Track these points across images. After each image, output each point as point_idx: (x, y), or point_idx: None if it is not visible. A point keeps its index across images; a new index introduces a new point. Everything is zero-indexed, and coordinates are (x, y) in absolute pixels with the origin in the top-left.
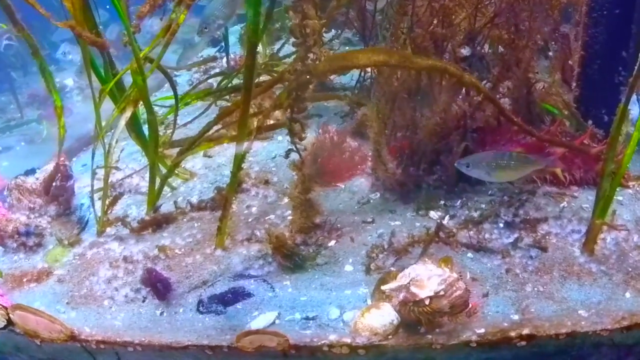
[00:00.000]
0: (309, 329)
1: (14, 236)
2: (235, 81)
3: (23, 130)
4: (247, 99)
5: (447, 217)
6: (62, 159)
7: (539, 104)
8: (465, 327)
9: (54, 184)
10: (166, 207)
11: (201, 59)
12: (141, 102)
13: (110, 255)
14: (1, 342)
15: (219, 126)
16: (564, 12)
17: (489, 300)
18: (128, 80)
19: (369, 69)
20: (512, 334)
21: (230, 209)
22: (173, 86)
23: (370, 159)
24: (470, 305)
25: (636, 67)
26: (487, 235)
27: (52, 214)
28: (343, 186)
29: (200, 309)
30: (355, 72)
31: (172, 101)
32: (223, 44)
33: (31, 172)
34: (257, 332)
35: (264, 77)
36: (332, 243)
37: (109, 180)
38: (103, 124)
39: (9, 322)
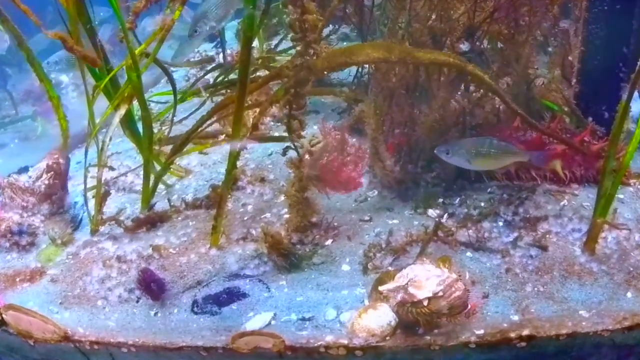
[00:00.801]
0: (305, 330)
1: (7, 235)
2: (232, 77)
3: (17, 127)
4: (242, 94)
5: (445, 216)
6: (56, 156)
7: (539, 100)
8: (464, 328)
9: (45, 182)
10: (161, 205)
11: (197, 54)
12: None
13: (104, 255)
14: None
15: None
16: (563, 7)
17: (489, 300)
18: (123, 76)
19: (366, 65)
20: (512, 334)
21: (226, 207)
22: (172, 82)
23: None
24: (469, 306)
25: (639, 64)
26: (486, 234)
27: (45, 213)
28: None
29: (195, 309)
30: (353, 67)
31: (168, 97)
32: (219, 39)
33: (24, 170)
34: (252, 333)
35: (261, 73)
36: (329, 242)
37: (103, 179)
38: (97, 121)
39: (2, 323)
